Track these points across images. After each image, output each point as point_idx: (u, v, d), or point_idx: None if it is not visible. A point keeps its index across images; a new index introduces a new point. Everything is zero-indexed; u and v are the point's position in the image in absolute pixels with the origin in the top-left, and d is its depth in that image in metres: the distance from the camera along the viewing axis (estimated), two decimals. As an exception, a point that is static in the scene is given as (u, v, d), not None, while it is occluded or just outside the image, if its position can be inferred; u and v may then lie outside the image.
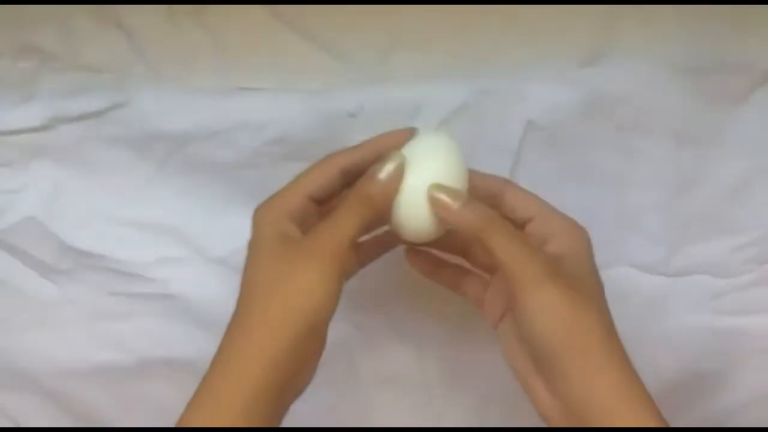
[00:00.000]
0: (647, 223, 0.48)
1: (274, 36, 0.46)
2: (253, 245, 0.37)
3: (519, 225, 0.39)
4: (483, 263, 0.41)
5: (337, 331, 0.48)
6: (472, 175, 0.39)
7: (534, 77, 0.45)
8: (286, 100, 0.47)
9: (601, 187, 0.47)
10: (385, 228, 0.40)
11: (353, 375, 0.50)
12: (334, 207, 0.37)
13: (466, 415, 0.51)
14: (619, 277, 0.48)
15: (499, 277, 0.40)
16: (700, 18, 0.44)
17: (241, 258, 0.48)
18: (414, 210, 0.37)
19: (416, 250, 0.42)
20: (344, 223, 0.36)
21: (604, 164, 0.47)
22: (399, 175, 0.37)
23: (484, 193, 0.39)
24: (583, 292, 0.35)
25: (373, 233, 0.42)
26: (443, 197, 0.36)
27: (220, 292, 0.48)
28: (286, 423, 0.37)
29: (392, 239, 0.41)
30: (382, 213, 0.37)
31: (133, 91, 0.47)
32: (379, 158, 0.37)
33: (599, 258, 0.38)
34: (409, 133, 0.39)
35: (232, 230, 0.49)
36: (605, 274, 0.36)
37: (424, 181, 0.37)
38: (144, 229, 0.48)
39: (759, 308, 0.48)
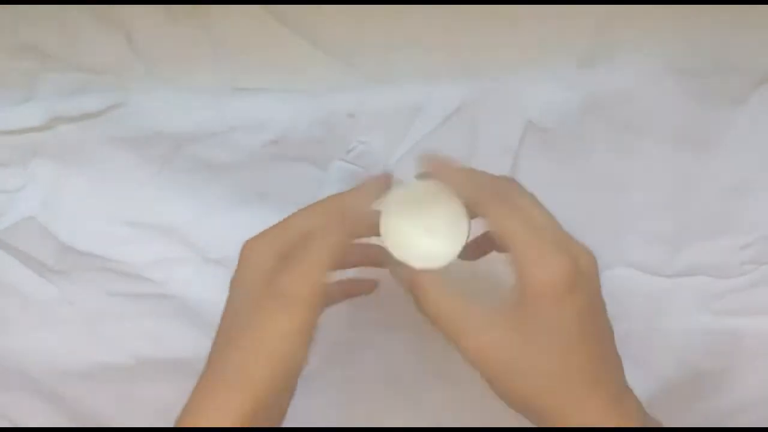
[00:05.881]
0: (647, 224, 0.48)
1: (273, 36, 0.46)
2: (236, 285, 0.37)
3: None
4: None
5: (337, 332, 0.49)
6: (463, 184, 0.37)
7: (534, 77, 0.45)
8: (286, 100, 0.46)
9: (601, 188, 0.47)
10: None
11: (354, 375, 0.50)
12: None
13: (464, 415, 0.51)
14: (619, 277, 0.48)
15: None
16: (699, 18, 0.44)
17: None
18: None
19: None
20: (316, 259, 0.34)
21: (604, 165, 0.47)
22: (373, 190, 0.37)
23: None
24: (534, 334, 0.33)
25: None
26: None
27: (218, 293, 0.48)
28: (287, 423, 0.37)
29: (364, 286, 0.43)
30: (355, 230, 0.37)
31: (132, 92, 0.47)
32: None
33: (599, 259, 0.38)
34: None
35: (231, 230, 0.48)
36: (605, 275, 0.35)
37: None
38: (143, 230, 0.48)
39: (759, 309, 0.48)
